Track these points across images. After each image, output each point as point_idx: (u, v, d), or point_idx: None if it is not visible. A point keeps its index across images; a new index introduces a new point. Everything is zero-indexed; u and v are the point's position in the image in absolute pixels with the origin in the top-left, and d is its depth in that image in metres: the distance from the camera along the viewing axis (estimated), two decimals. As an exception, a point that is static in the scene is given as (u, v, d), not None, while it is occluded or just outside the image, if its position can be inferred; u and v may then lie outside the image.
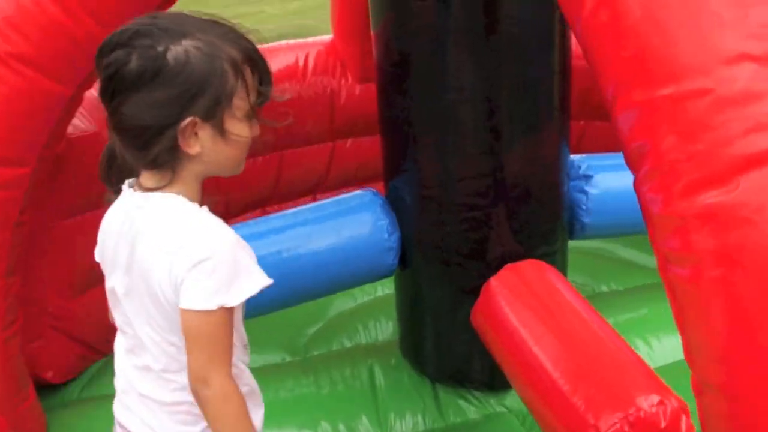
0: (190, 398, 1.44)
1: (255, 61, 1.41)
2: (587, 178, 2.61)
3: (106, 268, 1.55)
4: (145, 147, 1.36)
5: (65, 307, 2.80)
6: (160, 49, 1.31)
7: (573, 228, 2.64)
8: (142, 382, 1.52)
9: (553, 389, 1.87)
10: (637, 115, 1.33)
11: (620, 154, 2.88)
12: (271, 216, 2.64)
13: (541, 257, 2.42)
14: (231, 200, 3.62)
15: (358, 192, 2.65)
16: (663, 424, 1.70)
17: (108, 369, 2.96)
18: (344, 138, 3.84)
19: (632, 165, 1.40)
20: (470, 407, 2.60)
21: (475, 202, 2.37)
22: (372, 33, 2.54)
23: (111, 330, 3.04)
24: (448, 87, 2.29)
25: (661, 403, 1.72)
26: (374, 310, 3.20)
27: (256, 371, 2.88)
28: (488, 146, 2.33)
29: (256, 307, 2.48)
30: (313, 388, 2.71)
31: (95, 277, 2.97)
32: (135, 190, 1.45)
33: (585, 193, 2.59)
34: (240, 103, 1.38)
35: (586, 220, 2.62)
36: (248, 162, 3.60)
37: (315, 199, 3.93)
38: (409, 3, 2.26)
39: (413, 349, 2.75)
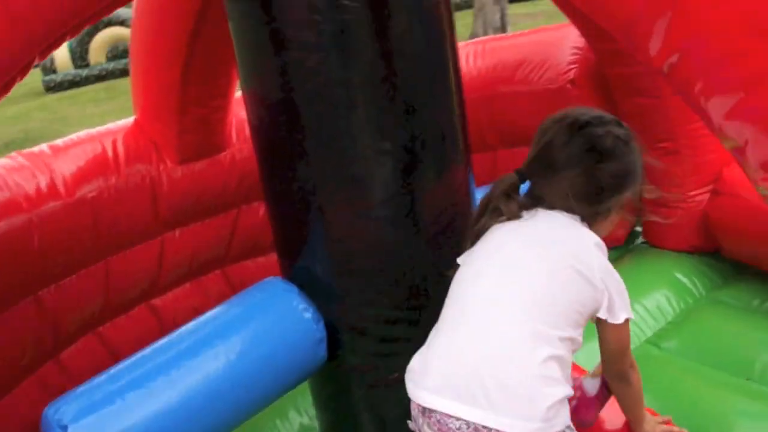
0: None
1: None
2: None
3: (473, 261, 1.78)
4: (597, 203, 1.73)
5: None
6: (623, 132, 1.75)
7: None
8: None
9: None
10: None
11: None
12: (166, 341, 2.14)
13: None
14: (59, 327, 3.01)
15: (261, 284, 2.28)
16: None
17: None
18: (172, 229, 3.40)
19: None
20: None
21: (404, 266, 2.16)
22: (243, 94, 2.24)
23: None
24: (357, 144, 2.08)
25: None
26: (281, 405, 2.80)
27: None
28: (406, 199, 2.14)
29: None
30: None
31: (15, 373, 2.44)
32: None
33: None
34: None
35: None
36: (71, 279, 3.07)
37: (150, 306, 3.44)
38: (292, 55, 2.01)
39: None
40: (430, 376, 1.61)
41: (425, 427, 1.60)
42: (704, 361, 2.77)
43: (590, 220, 1.73)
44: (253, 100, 2.22)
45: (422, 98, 2.11)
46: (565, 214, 1.72)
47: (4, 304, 2.77)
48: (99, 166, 3.11)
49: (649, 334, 2.95)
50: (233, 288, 3.66)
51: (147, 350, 2.10)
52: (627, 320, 1.71)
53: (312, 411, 2.69)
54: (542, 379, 1.54)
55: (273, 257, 3.72)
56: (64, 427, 1.90)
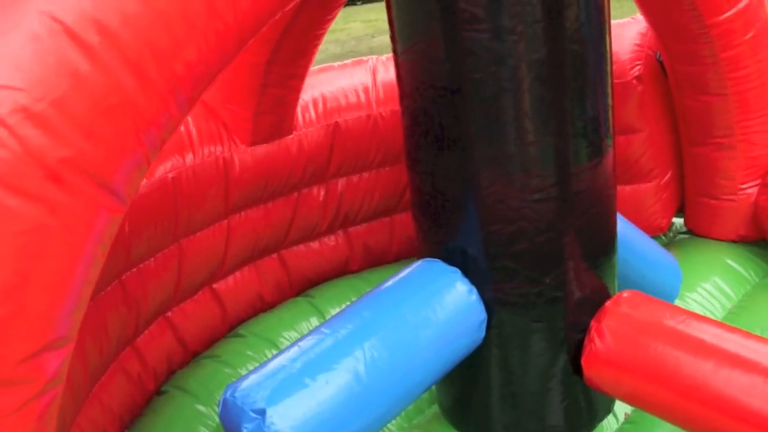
0: None
1: None
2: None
3: None
4: None
5: None
6: None
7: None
8: None
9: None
10: None
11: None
12: (337, 320, 2.10)
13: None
14: (140, 311, 2.89)
15: (423, 265, 2.28)
16: None
17: None
18: (237, 212, 3.32)
19: None
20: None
21: (551, 245, 2.23)
22: (400, 70, 2.25)
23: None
24: (526, 127, 2.13)
25: None
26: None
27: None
28: (558, 178, 2.19)
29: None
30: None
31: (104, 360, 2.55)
32: None
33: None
34: None
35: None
36: (149, 263, 2.95)
37: (213, 291, 3.34)
38: (473, 37, 2.04)
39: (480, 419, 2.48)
40: None
41: None
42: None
43: None
44: (416, 76, 2.21)
45: (589, 83, 2.18)
46: None
47: (96, 290, 2.64)
48: (177, 143, 3.00)
49: (720, 316, 3.13)
50: (288, 273, 3.60)
51: (320, 329, 2.06)
52: None
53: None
54: None
55: (326, 243, 3.73)
56: (261, 411, 1.85)
